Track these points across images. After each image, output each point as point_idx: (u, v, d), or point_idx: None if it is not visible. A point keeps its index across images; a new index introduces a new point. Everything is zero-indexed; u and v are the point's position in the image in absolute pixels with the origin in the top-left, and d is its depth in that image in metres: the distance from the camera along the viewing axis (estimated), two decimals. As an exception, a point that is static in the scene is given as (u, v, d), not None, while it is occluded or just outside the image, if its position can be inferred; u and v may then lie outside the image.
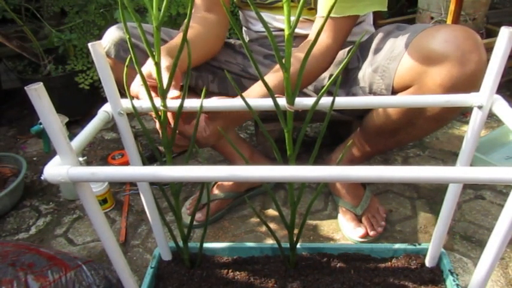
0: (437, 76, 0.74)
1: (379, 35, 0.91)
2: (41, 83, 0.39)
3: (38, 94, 0.39)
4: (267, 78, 0.81)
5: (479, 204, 1.11)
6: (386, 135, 0.96)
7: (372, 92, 0.91)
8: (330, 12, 0.47)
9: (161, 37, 0.89)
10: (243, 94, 0.81)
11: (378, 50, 0.88)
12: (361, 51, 0.96)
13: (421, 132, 0.93)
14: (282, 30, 1.01)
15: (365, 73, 0.91)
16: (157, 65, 0.55)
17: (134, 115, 0.59)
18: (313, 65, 0.86)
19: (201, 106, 0.59)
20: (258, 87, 0.80)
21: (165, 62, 0.69)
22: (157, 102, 0.58)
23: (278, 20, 1.03)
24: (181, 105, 0.58)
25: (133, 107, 0.58)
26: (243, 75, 1.07)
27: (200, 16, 0.93)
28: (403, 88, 0.83)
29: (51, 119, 0.42)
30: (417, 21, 1.82)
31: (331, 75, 1.03)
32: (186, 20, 0.51)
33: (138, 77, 0.68)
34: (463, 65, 0.71)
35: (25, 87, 0.38)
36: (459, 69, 0.71)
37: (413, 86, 0.80)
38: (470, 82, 0.71)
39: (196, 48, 0.86)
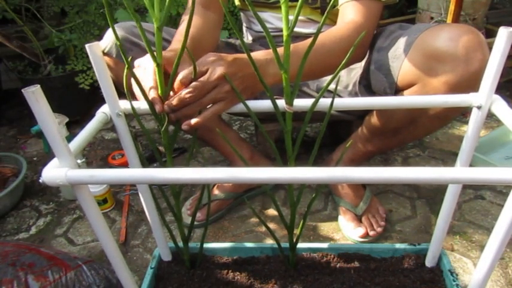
0: (442, 74, 0.74)
1: (382, 34, 0.91)
2: (38, 86, 0.39)
3: (36, 97, 0.39)
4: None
5: (479, 204, 1.11)
6: (388, 135, 0.96)
7: (375, 91, 0.91)
8: (325, 17, 0.47)
9: (163, 36, 0.88)
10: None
11: (381, 49, 0.88)
12: None
13: (423, 131, 0.93)
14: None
15: (368, 72, 0.91)
16: (159, 66, 0.54)
17: (133, 116, 0.59)
18: (346, 45, 0.78)
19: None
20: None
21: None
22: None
23: (281, 20, 1.03)
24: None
25: (133, 108, 0.58)
26: None
27: (200, 12, 0.90)
28: (407, 86, 0.83)
29: (48, 122, 0.41)
30: (417, 21, 1.82)
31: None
32: (188, 16, 0.50)
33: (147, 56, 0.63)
34: (467, 64, 0.72)
35: (22, 90, 0.38)
36: (464, 67, 0.72)
37: (417, 84, 0.80)
38: (474, 80, 0.71)
39: (200, 43, 0.83)
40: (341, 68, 0.53)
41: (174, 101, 0.58)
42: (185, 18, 0.86)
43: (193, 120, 0.60)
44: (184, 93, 0.58)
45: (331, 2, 0.53)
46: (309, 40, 0.58)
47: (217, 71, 0.59)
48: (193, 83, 0.58)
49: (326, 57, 0.76)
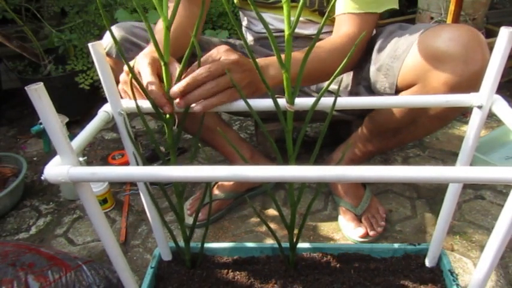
0: (442, 74, 0.74)
1: (382, 34, 0.91)
2: (41, 83, 0.39)
3: (38, 94, 0.39)
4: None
5: (479, 204, 1.11)
6: (389, 135, 0.96)
7: (375, 91, 0.91)
8: (325, 19, 0.47)
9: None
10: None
11: (381, 49, 0.88)
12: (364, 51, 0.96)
13: (424, 131, 0.93)
14: (283, 31, 1.01)
15: (368, 72, 0.91)
16: (166, 65, 0.54)
17: (134, 115, 0.59)
18: (333, 61, 0.80)
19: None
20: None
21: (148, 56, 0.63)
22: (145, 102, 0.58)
23: (280, 21, 1.03)
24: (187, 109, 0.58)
25: (137, 106, 0.58)
26: None
27: (185, 6, 0.88)
28: (407, 87, 0.83)
29: (51, 119, 0.42)
30: (417, 21, 1.83)
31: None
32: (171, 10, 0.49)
33: (122, 74, 0.64)
34: (467, 64, 0.72)
35: (25, 87, 0.38)
36: (463, 67, 0.72)
37: (417, 85, 0.80)
38: (474, 81, 0.72)
39: (183, 37, 0.81)
40: (334, 77, 0.54)
41: (188, 79, 0.56)
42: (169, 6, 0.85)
43: (209, 100, 0.58)
44: (199, 71, 0.56)
45: (329, 8, 0.53)
46: (305, 50, 0.59)
47: (232, 56, 0.59)
48: (209, 64, 0.57)
49: (319, 67, 0.78)
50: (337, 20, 0.88)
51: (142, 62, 0.62)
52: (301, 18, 1.00)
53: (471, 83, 0.72)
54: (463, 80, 0.73)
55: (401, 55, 0.82)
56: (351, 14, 0.85)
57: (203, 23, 0.96)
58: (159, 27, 0.82)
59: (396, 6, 0.88)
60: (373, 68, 0.89)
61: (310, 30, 1.02)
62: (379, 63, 0.87)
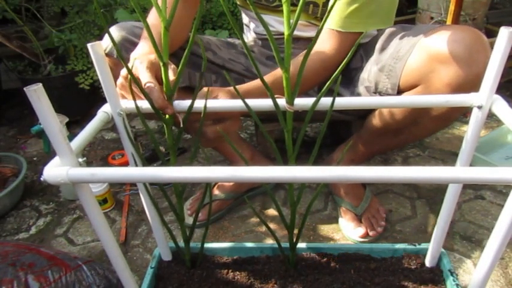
0: (445, 76, 0.74)
1: (384, 35, 0.91)
2: (40, 84, 0.39)
3: (37, 95, 0.39)
4: (266, 77, 0.82)
5: (479, 204, 1.11)
6: (390, 135, 0.96)
7: (377, 92, 0.91)
8: (324, 22, 0.47)
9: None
10: (242, 86, 0.80)
11: (383, 50, 0.88)
12: (365, 51, 0.96)
13: (425, 132, 0.93)
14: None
15: (370, 72, 0.91)
16: (165, 65, 0.54)
17: (133, 116, 0.60)
18: (312, 71, 0.87)
19: (205, 107, 0.59)
20: (257, 83, 0.80)
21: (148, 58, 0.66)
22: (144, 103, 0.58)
23: (281, 23, 1.03)
24: (191, 106, 0.58)
25: (137, 108, 0.58)
26: (246, 74, 1.07)
27: (179, 4, 0.89)
28: (409, 88, 0.83)
29: (50, 120, 0.41)
30: (417, 21, 1.82)
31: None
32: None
33: (119, 79, 0.67)
34: (470, 65, 0.72)
35: (24, 88, 0.38)
36: (467, 69, 0.72)
37: (419, 86, 0.80)
38: (477, 82, 0.71)
39: (176, 36, 0.83)
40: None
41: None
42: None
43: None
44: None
45: (328, 9, 0.53)
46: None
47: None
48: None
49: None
50: (324, 31, 0.90)
51: (140, 67, 0.63)
52: (302, 22, 1.00)
53: (474, 85, 0.72)
54: (466, 81, 0.73)
55: (403, 56, 0.82)
56: (336, 31, 0.87)
57: (192, 19, 0.96)
58: (152, 20, 0.82)
59: (384, 26, 0.90)
60: (375, 69, 0.89)
61: (311, 33, 1.02)
62: (381, 64, 0.87)
